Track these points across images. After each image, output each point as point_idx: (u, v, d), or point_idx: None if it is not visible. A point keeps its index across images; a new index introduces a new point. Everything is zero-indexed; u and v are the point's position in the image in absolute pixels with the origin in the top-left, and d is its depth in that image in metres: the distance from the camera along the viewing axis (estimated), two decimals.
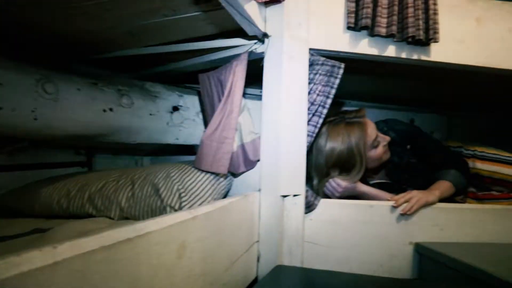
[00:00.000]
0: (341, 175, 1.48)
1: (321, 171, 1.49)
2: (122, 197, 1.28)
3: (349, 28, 1.36)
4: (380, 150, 1.52)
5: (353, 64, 1.49)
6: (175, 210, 1.20)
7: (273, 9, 1.27)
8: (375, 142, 1.50)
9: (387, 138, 1.54)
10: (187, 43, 1.39)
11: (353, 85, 2.03)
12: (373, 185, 1.59)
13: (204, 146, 1.26)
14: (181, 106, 1.73)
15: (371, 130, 1.49)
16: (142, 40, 1.40)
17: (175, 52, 1.46)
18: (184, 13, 1.24)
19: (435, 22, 1.37)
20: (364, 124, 1.49)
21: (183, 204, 1.21)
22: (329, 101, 1.34)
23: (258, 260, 1.26)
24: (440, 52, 1.43)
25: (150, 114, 1.62)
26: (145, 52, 1.45)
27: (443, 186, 1.45)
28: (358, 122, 1.49)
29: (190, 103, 1.79)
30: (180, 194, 1.21)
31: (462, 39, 1.46)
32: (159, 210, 1.22)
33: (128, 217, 1.27)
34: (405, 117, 2.34)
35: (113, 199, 1.27)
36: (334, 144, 1.46)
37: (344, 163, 1.47)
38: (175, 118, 1.72)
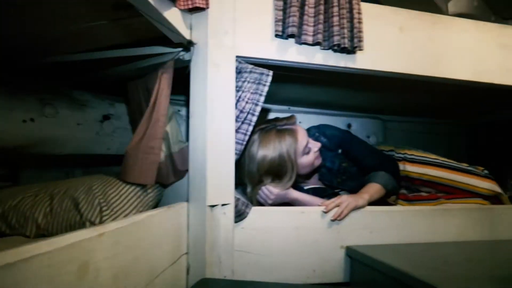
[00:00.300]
0: (274, 182, 1.48)
1: (253, 179, 1.49)
2: (39, 213, 1.20)
3: (277, 36, 1.37)
4: (311, 156, 1.53)
5: (292, 73, 1.52)
6: (95, 225, 1.15)
7: (199, 16, 1.26)
8: (306, 148, 1.51)
9: (318, 145, 1.56)
10: (109, 50, 1.34)
11: (292, 91, 2.05)
12: (307, 191, 1.61)
13: (129, 157, 1.22)
14: (112, 115, 1.67)
15: (302, 137, 1.51)
16: (62, 47, 1.34)
17: (101, 60, 1.41)
18: (105, 19, 1.20)
19: (360, 31, 1.42)
20: (295, 131, 1.50)
21: (104, 218, 1.15)
22: (259, 108, 1.34)
23: (187, 272, 1.23)
24: (366, 60, 1.48)
25: (78, 124, 1.55)
26: (64, 59, 1.38)
27: (373, 189, 1.49)
28: (289, 129, 1.50)
29: (123, 111, 1.73)
30: (101, 208, 1.16)
31: (386, 47, 1.52)
32: (78, 226, 1.15)
33: (45, 234, 1.20)
34: (343, 122, 2.40)
35: (29, 216, 1.20)
36: (265, 151, 1.46)
37: (276, 171, 1.48)
38: (106, 127, 1.65)
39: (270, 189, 1.47)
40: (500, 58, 1.65)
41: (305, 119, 2.32)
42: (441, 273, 1.09)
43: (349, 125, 2.39)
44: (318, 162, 1.58)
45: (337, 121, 2.35)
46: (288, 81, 1.70)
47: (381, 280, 1.21)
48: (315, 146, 1.55)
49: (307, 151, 1.52)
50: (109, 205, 1.17)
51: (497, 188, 1.73)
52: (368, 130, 2.43)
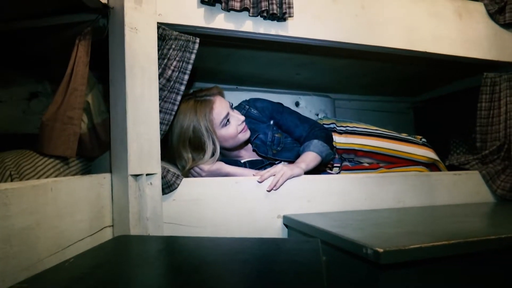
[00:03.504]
0: (197, 156, 1.45)
1: (175, 151, 1.45)
2: None
3: (202, 2, 1.34)
4: (232, 129, 1.50)
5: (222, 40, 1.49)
6: None
7: None
8: (224, 120, 1.48)
9: (241, 118, 1.52)
10: (22, 20, 1.27)
11: (238, 68, 2.03)
12: (244, 164, 1.59)
13: (45, 127, 1.16)
14: (40, 92, 1.59)
15: (220, 108, 1.48)
16: None
17: (19, 34, 1.33)
18: None
19: None
20: (211, 102, 1.47)
21: None
22: (186, 77, 1.31)
23: None
24: (298, 28, 1.46)
25: (0, 102, 1.47)
26: None
27: (308, 157, 1.49)
28: (207, 100, 1.47)
29: (53, 89, 1.66)
30: (12, 180, 1.10)
31: (319, 15, 1.50)
32: None
33: None
34: (291, 100, 2.39)
35: None
36: (181, 122, 1.44)
37: (193, 143, 1.46)
38: (34, 105, 1.57)
39: (201, 167, 1.44)
40: (432, 26, 1.68)
41: None
42: (365, 232, 1.09)
43: (297, 103, 2.39)
44: (244, 136, 1.54)
45: (285, 99, 2.34)
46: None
47: None
48: (237, 118, 1.52)
49: (226, 123, 1.49)
50: (22, 176, 1.11)
51: (433, 155, 1.76)
52: (317, 107, 2.43)
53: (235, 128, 1.50)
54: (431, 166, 1.80)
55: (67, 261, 0.82)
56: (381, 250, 0.85)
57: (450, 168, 1.85)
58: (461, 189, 1.68)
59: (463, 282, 0.98)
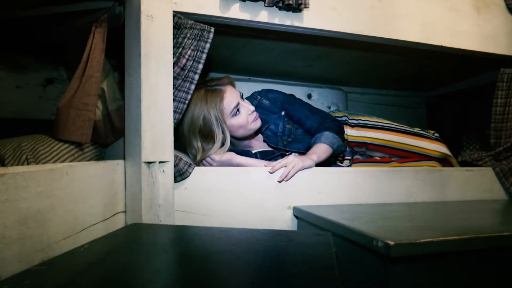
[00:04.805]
0: (205, 144, 1.47)
1: (186, 139, 1.47)
2: None
3: None
4: (242, 118, 1.50)
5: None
6: None
7: None
8: (234, 109, 1.49)
9: (251, 107, 1.53)
10: (40, 8, 1.28)
11: (250, 58, 2.03)
12: (255, 154, 1.59)
13: (61, 113, 1.18)
14: (56, 79, 1.61)
15: (230, 97, 1.48)
16: None
17: (36, 20, 1.34)
18: None
19: None
20: (221, 91, 1.47)
21: None
22: (200, 66, 1.31)
23: None
24: (313, 19, 1.45)
25: (17, 87, 1.49)
26: None
27: (320, 149, 1.48)
28: (217, 89, 1.48)
29: (69, 75, 1.67)
30: (28, 164, 1.12)
31: (334, 7, 1.49)
32: None
33: None
34: (304, 92, 2.38)
35: None
36: (192, 111, 1.45)
37: (204, 131, 1.47)
38: (49, 91, 1.59)
39: (212, 157, 1.45)
40: (449, 20, 1.65)
41: None
42: (376, 225, 1.08)
43: (309, 95, 2.38)
44: (255, 125, 1.55)
45: (298, 91, 2.33)
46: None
47: None
48: (247, 108, 1.52)
49: (236, 112, 1.50)
50: (38, 161, 1.13)
51: (445, 150, 1.75)
52: (329, 100, 2.42)
53: (245, 117, 1.50)
54: (443, 161, 1.78)
55: (82, 247, 0.83)
56: (392, 243, 0.85)
57: (463, 164, 1.83)
58: (474, 185, 1.66)
59: (473, 277, 0.98)
